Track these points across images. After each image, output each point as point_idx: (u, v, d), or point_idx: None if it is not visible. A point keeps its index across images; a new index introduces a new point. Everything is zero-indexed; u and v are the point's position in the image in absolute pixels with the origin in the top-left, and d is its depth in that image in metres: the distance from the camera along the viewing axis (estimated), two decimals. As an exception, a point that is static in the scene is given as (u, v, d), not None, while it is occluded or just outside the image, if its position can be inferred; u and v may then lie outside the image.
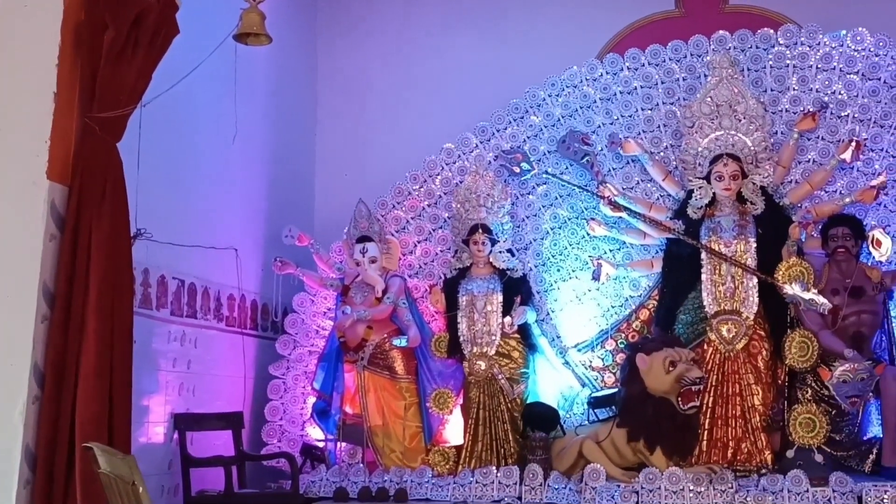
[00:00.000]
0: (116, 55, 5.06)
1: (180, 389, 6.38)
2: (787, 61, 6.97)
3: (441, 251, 7.40)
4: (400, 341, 7.03)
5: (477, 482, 6.43)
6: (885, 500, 5.71)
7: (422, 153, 7.50)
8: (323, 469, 6.79)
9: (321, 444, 7.05)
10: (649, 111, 7.17)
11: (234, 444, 6.61)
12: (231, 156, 6.96)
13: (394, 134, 8.07)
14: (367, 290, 7.10)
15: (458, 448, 6.88)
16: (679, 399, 6.28)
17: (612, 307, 7.15)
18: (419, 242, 7.45)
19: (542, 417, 6.78)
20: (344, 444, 7.01)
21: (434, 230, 7.45)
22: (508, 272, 7.01)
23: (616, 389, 6.73)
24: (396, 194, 7.48)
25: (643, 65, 7.21)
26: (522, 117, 7.38)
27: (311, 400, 7.14)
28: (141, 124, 5.44)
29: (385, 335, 7.06)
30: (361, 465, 6.80)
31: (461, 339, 6.95)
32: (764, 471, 6.22)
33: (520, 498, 6.33)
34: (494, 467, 6.50)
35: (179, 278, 6.41)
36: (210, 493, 6.32)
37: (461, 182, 7.25)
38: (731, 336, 6.48)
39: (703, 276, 6.62)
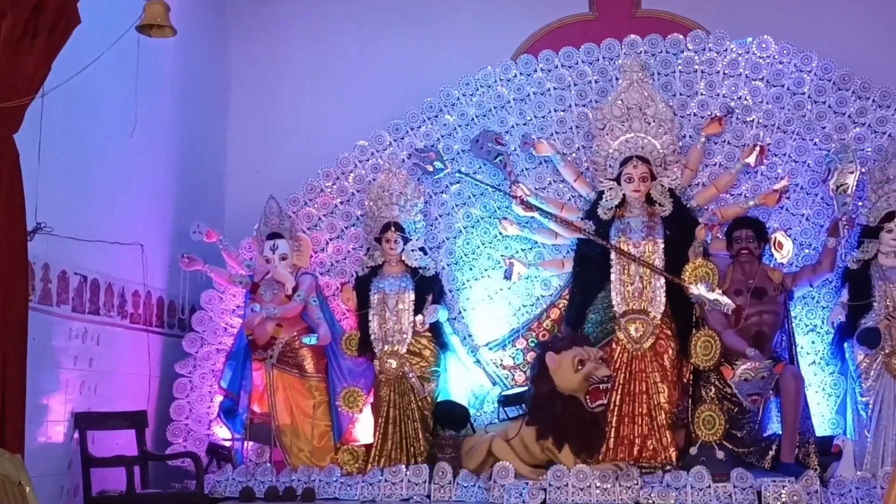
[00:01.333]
0: (15, 43, 4.95)
1: (81, 388, 6.30)
2: (696, 66, 7.16)
3: (353, 249, 7.44)
4: (310, 339, 7.03)
5: (386, 481, 6.49)
6: (782, 495, 5.93)
7: (335, 150, 7.51)
8: (229, 469, 6.78)
9: (228, 444, 7.04)
10: (562, 112, 7.30)
11: (138, 444, 6.56)
12: (136, 149, 6.86)
13: (307, 130, 8.06)
14: (277, 288, 7.09)
15: (368, 447, 6.92)
16: (587, 397, 6.41)
17: (524, 306, 7.27)
18: (331, 240, 7.47)
19: (453, 416, 6.87)
20: (251, 443, 7.00)
21: (346, 228, 7.47)
22: (420, 270, 7.07)
23: (526, 388, 6.83)
24: (309, 191, 7.48)
25: (556, 66, 7.33)
26: (437, 116, 7.44)
27: (219, 399, 7.12)
28: (42, 115, 5.36)
29: (295, 333, 7.06)
30: (269, 464, 6.79)
31: (372, 337, 6.98)
32: (668, 467, 6.39)
33: (429, 496, 6.41)
34: (404, 466, 6.56)
35: (82, 274, 6.32)
36: (111, 494, 6.27)
37: (374, 180, 7.29)
38: (638, 335, 6.64)
39: (613, 276, 6.76)
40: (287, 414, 6.98)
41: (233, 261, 7.36)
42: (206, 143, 8.13)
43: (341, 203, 7.49)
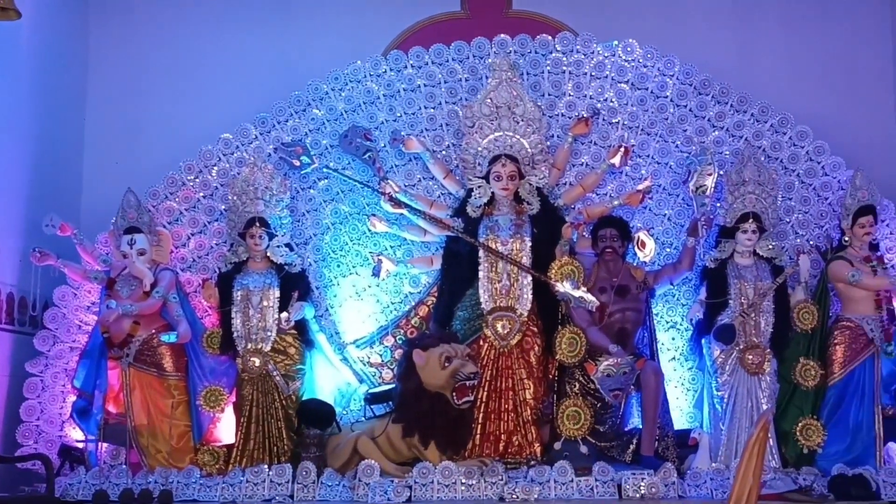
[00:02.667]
0: None
1: (-75, 387, 6.04)
2: (564, 67, 7.36)
3: (216, 244, 7.35)
4: (169, 337, 6.91)
5: (248, 481, 6.42)
6: (641, 488, 6.15)
7: (198, 143, 7.43)
8: (82, 471, 6.61)
9: (81, 445, 6.89)
10: (432, 110, 7.39)
11: (-16, 446, 6.33)
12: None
13: (169, 122, 7.92)
14: (135, 284, 6.95)
15: (229, 447, 6.86)
16: (454, 394, 6.47)
17: (392, 303, 7.33)
18: (193, 235, 7.37)
19: (318, 414, 6.86)
20: (106, 444, 6.85)
21: (209, 222, 7.39)
22: (286, 267, 7.03)
23: (393, 385, 6.87)
24: (169, 184, 7.37)
25: (427, 63, 7.42)
26: (304, 110, 7.43)
27: (72, 398, 6.94)
28: None
29: (153, 331, 6.95)
30: (124, 466, 6.66)
31: (235, 334, 6.91)
32: (533, 462, 6.54)
33: (292, 496, 6.36)
34: (266, 466, 6.50)
35: (-76, 265, 6.07)
36: (-44, 497, 6.03)
37: (239, 173, 7.22)
38: (505, 332, 6.77)
39: (481, 274, 6.88)
40: (144, 414, 6.84)
41: (88, 256, 7.17)
42: (62, 133, 7.87)
43: (204, 197, 7.40)
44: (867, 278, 6.68)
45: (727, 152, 7.18)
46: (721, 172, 6.97)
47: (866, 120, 7.72)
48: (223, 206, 7.31)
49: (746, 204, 6.83)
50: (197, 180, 7.40)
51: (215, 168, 7.40)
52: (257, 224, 6.98)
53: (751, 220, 6.79)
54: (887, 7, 7.87)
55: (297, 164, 7.25)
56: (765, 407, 6.59)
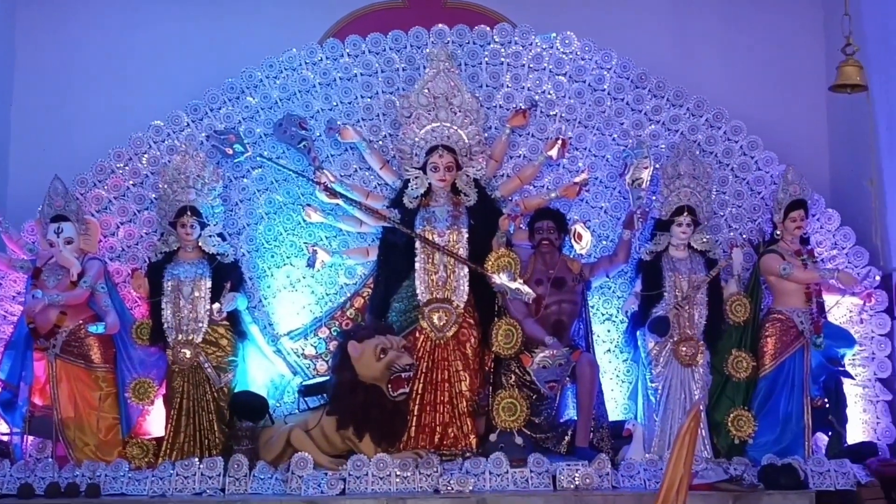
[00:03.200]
0: None
1: None
2: (502, 59, 7.39)
3: (146, 233, 7.26)
4: (97, 328, 6.82)
5: (178, 475, 6.36)
6: (576, 479, 6.22)
7: (128, 130, 7.33)
8: (7, 464, 6.48)
9: (5, 438, 6.76)
10: (368, 99, 7.37)
11: None
12: None
13: (98, 108, 7.81)
14: (62, 273, 6.85)
15: (159, 440, 6.79)
16: (389, 386, 6.48)
17: (327, 294, 7.30)
18: (122, 224, 7.27)
19: (250, 407, 6.81)
20: (31, 437, 6.73)
21: (139, 211, 7.29)
22: (219, 257, 6.97)
23: (327, 377, 6.85)
24: (98, 172, 7.27)
25: (364, 52, 7.40)
26: (238, 98, 7.37)
27: (-4, 391, 6.79)
28: None
29: (80, 321, 6.85)
30: (51, 459, 6.57)
31: (165, 326, 6.85)
32: (468, 454, 6.57)
33: (223, 490, 6.31)
34: (197, 459, 6.44)
35: None
36: None
37: (170, 161, 7.13)
38: (441, 324, 6.79)
39: (417, 265, 6.89)
40: (71, 406, 6.76)
41: (13, 244, 7.05)
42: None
43: (133, 185, 7.30)
44: (798, 272, 6.82)
45: (663, 146, 7.29)
46: (657, 166, 7.08)
47: (798, 116, 7.89)
48: (153, 195, 7.22)
49: (681, 197, 6.94)
50: (127, 168, 7.29)
51: (146, 156, 7.30)
52: (189, 213, 6.91)
53: (685, 214, 6.90)
54: (820, 5, 8.03)
55: (231, 152, 7.19)
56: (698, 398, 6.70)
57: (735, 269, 6.96)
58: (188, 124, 7.33)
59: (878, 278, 7.00)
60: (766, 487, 6.21)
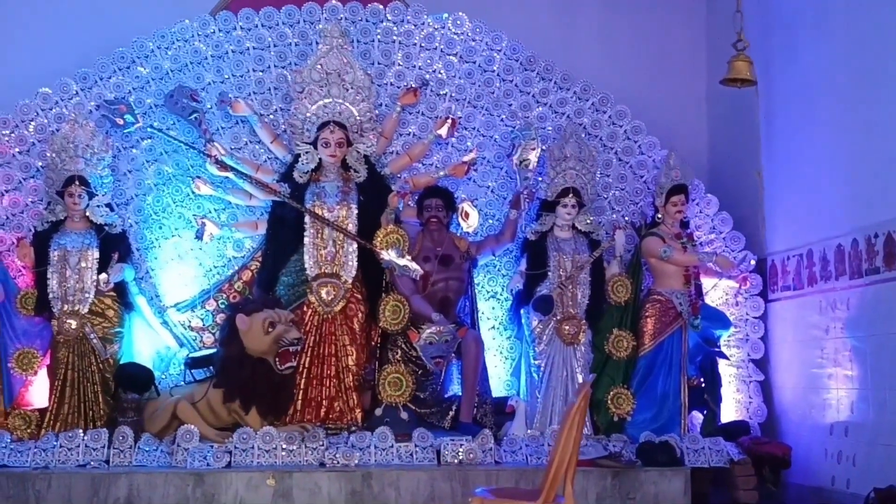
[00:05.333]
0: None
1: None
2: (394, 38, 7.50)
3: (32, 202, 7.23)
4: (-21, 298, 6.77)
5: (61, 446, 6.41)
6: (459, 453, 6.42)
7: (15, 97, 7.28)
8: None
9: None
10: (260, 73, 7.43)
11: None
12: None
13: (-19, 74, 7.71)
14: (-56, 242, 6.80)
15: (42, 411, 6.80)
16: (277, 359, 6.58)
17: (215, 267, 7.36)
18: (7, 191, 7.23)
19: (136, 378, 6.87)
20: None
21: (25, 179, 7.26)
22: (106, 227, 6.98)
23: (215, 350, 6.93)
24: (-17, 139, 7.20)
25: (256, 26, 7.44)
26: (129, 67, 7.36)
27: None
28: None
29: (-38, 291, 6.80)
30: (-70, 431, 6.52)
31: (51, 296, 6.86)
32: (354, 428, 6.72)
33: (108, 461, 6.37)
34: (81, 431, 6.49)
35: None
36: None
37: (58, 130, 7.12)
38: (329, 298, 6.90)
39: (306, 240, 6.98)
40: (-49, 377, 6.71)
41: None
42: None
43: (20, 153, 7.26)
44: (678, 254, 7.05)
45: (550, 128, 7.48)
46: (543, 147, 7.25)
47: (680, 103, 8.18)
48: (40, 163, 7.20)
49: (567, 179, 7.14)
50: (13, 135, 7.25)
51: (33, 123, 7.27)
52: (77, 183, 6.92)
53: (571, 195, 7.10)
54: (703, -5, 8.37)
55: (121, 122, 7.19)
56: (580, 376, 6.93)
57: (617, 250, 7.20)
58: (77, 92, 7.31)
59: (753, 262, 7.30)
60: (643, 464, 6.46)
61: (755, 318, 7.32)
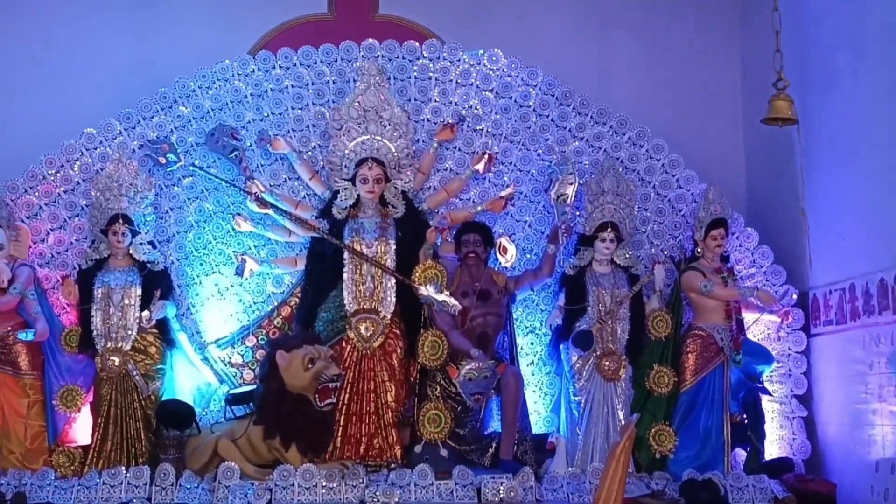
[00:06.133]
0: None
1: None
2: (430, 74, 7.58)
3: (76, 240, 7.37)
4: (26, 335, 6.90)
5: (104, 483, 6.49)
6: (500, 491, 6.39)
7: (60, 137, 7.44)
8: (-69, 472, 6.57)
9: (-71, 445, 6.80)
10: (299, 111, 7.53)
11: None
12: None
13: (31, 115, 7.91)
14: (-9, 280, 6.93)
15: (86, 448, 6.88)
16: (316, 396, 6.60)
17: (255, 303, 7.45)
18: (52, 230, 7.38)
19: (177, 415, 6.93)
20: (-44, 445, 6.79)
21: (69, 218, 7.41)
22: (149, 265, 7.09)
23: (254, 386, 6.99)
24: (29, 178, 7.37)
25: (295, 65, 7.56)
26: (171, 107, 7.50)
27: (-80, 399, 6.88)
28: None
29: (9, 328, 6.94)
30: (-25, 467, 6.63)
31: (94, 333, 6.96)
32: (393, 465, 6.73)
33: (150, 499, 6.43)
34: (124, 468, 6.56)
35: None
36: None
37: (102, 169, 7.25)
38: (368, 334, 6.95)
39: (345, 276, 7.04)
40: (-2, 413, 6.85)
41: (-59, 250, 7.12)
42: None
43: (65, 192, 7.41)
44: (718, 289, 7.01)
45: (587, 162, 7.50)
46: (581, 182, 7.26)
47: (717, 134, 8.19)
48: (85, 202, 7.34)
49: (605, 213, 7.15)
50: (58, 175, 7.40)
51: (77, 163, 7.41)
52: (120, 221, 7.04)
53: (609, 230, 7.10)
54: (737, 25, 8.33)
55: (163, 161, 7.32)
56: (620, 412, 6.91)
57: (657, 284, 7.17)
58: (121, 132, 7.45)
59: (795, 297, 7.22)
60: (686, 502, 6.39)
61: (798, 352, 7.24)
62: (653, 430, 6.91)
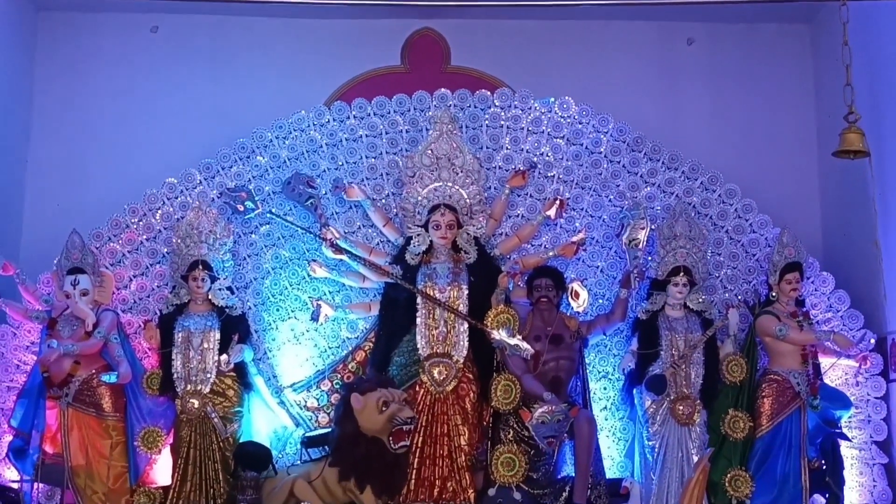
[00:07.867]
0: None
1: None
2: (502, 122, 7.78)
3: (157, 286, 7.62)
4: (110, 378, 7.12)
5: (184, 523, 6.68)
6: (574, 535, 6.49)
7: (142, 186, 7.71)
8: (16, 511, 6.77)
9: (16, 486, 7.02)
10: (373, 159, 7.76)
11: (-80, 485, 6.49)
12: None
13: (113, 165, 8.26)
14: (77, 324, 7.20)
15: (166, 489, 7.09)
16: (391, 438, 6.74)
17: (330, 348, 7.63)
18: (135, 277, 7.64)
19: (254, 457, 7.09)
20: (41, 485, 7.00)
21: (151, 265, 7.66)
22: (227, 310, 7.32)
23: (329, 429, 7.16)
24: (113, 226, 7.64)
25: (369, 115, 7.79)
26: (248, 157, 7.75)
27: (8, 438, 7.13)
28: None
29: (93, 371, 7.17)
30: (60, 506, 6.83)
31: (175, 376, 7.17)
32: (467, 508, 6.82)
33: (227, 538, 6.61)
34: (202, 508, 6.75)
35: None
36: None
37: (182, 217, 7.51)
38: (441, 378, 7.09)
39: (418, 320, 7.20)
40: (82, 454, 7.08)
41: (29, 295, 7.41)
42: (2, 174, 8.10)
43: (147, 240, 7.68)
44: (794, 333, 7.04)
45: (659, 207, 7.59)
46: (653, 226, 7.36)
47: (791, 178, 8.27)
48: (166, 249, 7.59)
49: (677, 258, 7.23)
50: (141, 223, 7.67)
51: (159, 211, 7.69)
52: (200, 267, 7.29)
53: (682, 274, 7.18)
54: (810, 69, 8.43)
55: (241, 209, 7.55)
56: (695, 457, 6.89)
57: (731, 329, 7.22)
58: (200, 182, 7.73)
59: (873, 341, 7.21)
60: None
61: (877, 398, 7.23)
62: (729, 475, 6.92)
